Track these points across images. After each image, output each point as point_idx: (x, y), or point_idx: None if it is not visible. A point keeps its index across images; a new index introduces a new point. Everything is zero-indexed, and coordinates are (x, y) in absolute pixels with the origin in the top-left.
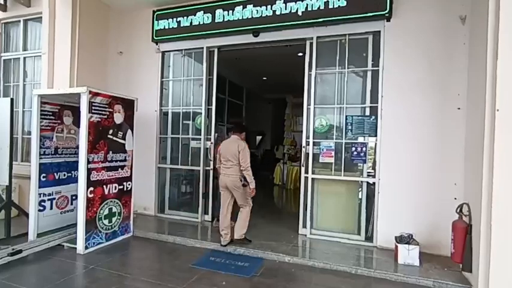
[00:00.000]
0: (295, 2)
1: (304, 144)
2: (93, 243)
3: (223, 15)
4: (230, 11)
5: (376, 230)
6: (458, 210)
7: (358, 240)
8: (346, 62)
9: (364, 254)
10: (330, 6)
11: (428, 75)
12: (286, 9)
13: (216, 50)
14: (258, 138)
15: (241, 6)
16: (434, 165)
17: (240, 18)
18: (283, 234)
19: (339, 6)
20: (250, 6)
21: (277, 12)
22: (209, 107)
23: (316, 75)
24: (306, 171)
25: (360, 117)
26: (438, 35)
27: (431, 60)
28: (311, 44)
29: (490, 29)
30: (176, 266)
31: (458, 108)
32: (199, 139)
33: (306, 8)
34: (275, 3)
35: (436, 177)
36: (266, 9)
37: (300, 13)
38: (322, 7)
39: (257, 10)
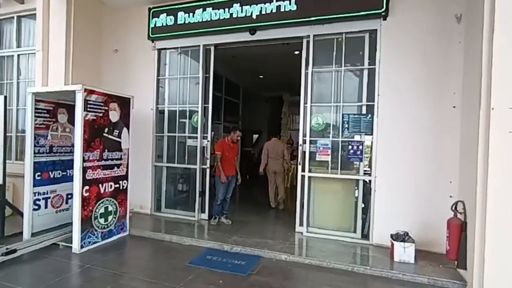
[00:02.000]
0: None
1: (300, 142)
2: (89, 242)
3: (220, 13)
4: (227, 9)
5: (372, 227)
6: (453, 208)
7: (354, 238)
8: (343, 60)
9: (360, 251)
10: (327, 4)
11: (424, 74)
12: (282, 7)
13: (212, 48)
14: (255, 136)
15: (239, 4)
16: (430, 163)
17: (237, 16)
18: (280, 233)
19: (335, 4)
20: (246, 5)
21: (274, 10)
22: (206, 105)
23: (312, 74)
24: (303, 170)
25: (356, 116)
26: (434, 34)
27: (427, 58)
28: (308, 42)
29: (485, 28)
30: (172, 264)
31: (454, 107)
32: (196, 137)
33: (302, 5)
34: (272, 1)
35: (431, 175)
36: (263, 7)
37: (295, 10)
38: (319, 5)
39: (254, 8)
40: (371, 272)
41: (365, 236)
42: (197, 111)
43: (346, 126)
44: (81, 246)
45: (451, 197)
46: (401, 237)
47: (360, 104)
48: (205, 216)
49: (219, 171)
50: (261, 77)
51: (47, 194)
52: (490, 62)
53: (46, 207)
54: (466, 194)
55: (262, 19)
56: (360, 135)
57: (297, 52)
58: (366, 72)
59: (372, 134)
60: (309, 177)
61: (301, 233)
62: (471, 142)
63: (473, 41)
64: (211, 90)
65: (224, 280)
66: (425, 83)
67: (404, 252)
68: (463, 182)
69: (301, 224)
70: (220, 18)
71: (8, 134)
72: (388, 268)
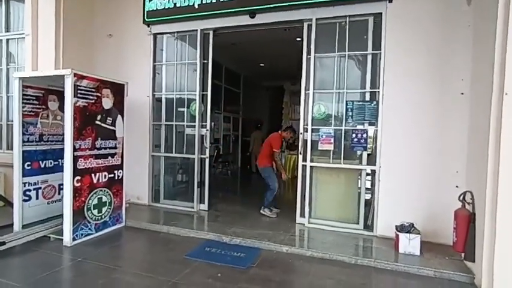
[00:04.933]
0: None
1: (301, 130)
2: (81, 234)
3: None
4: None
5: (376, 218)
6: (461, 198)
7: (357, 230)
8: (347, 45)
9: (364, 243)
10: None
11: (431, 59)
12: None
13: (211, 33)
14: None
15: None
16: (435, 152)
17: None
18: (281, 224)
19: None
20: None
21: None
22: (204, 92)
23: (315, 59)
24: (304, 159)
25: (360, 103)
26: (442, 17)
27: (434, 42)
28: (309, 26)
29: (500, 8)
30: (169, 257)
31: (462, 94)
32: (194, 126)
33: None
34: None
35: (437, 164)
36: None
37: None
38: None
39: None
40: (375, 265)
41: (368, 227)
42: (195, 99)
43: (350, 113)
44: (73, 239)
45: (457, 187)
46: (406, 228)
47: (364, 90)
48: (204, 207)
49: (281, 169)
50: (262, 65)
51: (38, 184)
52: (505, 44)
53: (37, 198)
54: (475, 184)
55: (263, 1)
56: (364, 123)
57: (298, 39)
58: (370, 58)
59: (376, 122)
60: (311, 167)
61: (303, 224)
62: (481, 129)
63: (484, 23)
64: (210, 77)
65: (223, 273)
66: (432, 69)
67: (409, 244)
68: (471, 171)
69: (302, 215)
70: (219, 0)
71: None
72: (393, 260)
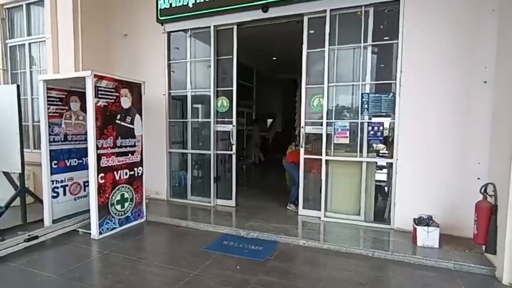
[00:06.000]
0: None
1: (302, 124)
2: (107, 228)
3: None
4: None
5: (394, 212)
6: (482, 191)
7: (374, 223)
8: (362, 36)
9: (381, 236)
10: None
11: (452, 47)
12: None
13: (235, 27)
14: (269, 121)
15: None
16: (456, 143)
17: None
18: (296, 217)
19: None
20: None
21: None
22: (218, 88)
23: (329, 52)
24: (319, 153)
25: (377, 95)
26: (463, 2)
27: (455, 30)
28: (323, 18)
29: None
30: (189, 250)
31: (485, 82)
32: (210, 122)
33: None
34: None
35: (458, 156)
36: None
37: None
38: None
39: None
40: (392, 257)
41: (385, 220)
42: (221, 96)
43: (366, 106)
44: (100, 233)
45: (479, 179)
46: (424, 221)
47: (381, 82)
48: (221, 202)
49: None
50: (274, 58)
51: (65, 181)
52: None
53: (65, 194)
54: (497, 176)
55: None
56: (381, 115)
57: (312, 31)
58: (387, 48)
59: (393, 114)
60: (326, 160)
61: (319, 217)
62: (505, 120)
63: (510, 7)
64: (235, 74)
65: (241, 266)
66: (452, 57)
67: (427, 237)
68: (494, 163)
69: (318, 209)
70: None
71: (24, 124)
72: (411, 253)
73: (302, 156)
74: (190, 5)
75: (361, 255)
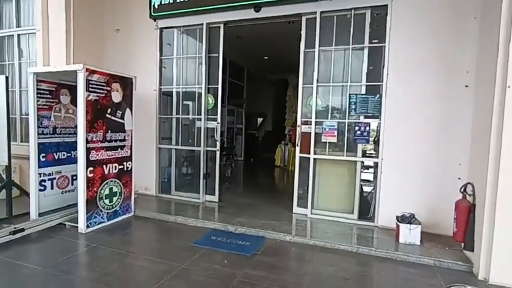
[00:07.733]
0: None
1: (299, 123)
2: (95, 222)
3: None
4: None
5: (378, 209)
6: (462, 190)
7: (359, 220)
8: (351, 38)
9: (366, 233)
10: None
11: (436, 52)
12: None
13: (222, 26)
14: (259, 120)
15: None
16: (438, 144)
17: None
18: (284, 214)
19: None
20: None
21: None
22: (214, 86)
23: (319, 53)
24: (308, 152)
25: (364, 96)
26: (447, 9)
27: (439, 35)
28: (314, 19)
29: (504, 1)
30: (177, 244)
31: (466, 86)
32: (200, 119)
33: None
34: None
35: (440, 157)
36: None
37: None
38: None
39: None
40: (376, 253)
41: (370, 218)
42: (207, 93)
43: (353, 107)
44: (87, 226)
45: (459, 179)
46: (407, 219)
47: (368, 84)
48: (211, 198)
49: None
50: (266, 58)
51: (52, 175)
52: (508, 37)
53: (52, 188)
54: (476, 176)
55: None
56: (367, 116)
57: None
58: (374, 51)
59: (379, 115)
60: (314, 159)
61: (306, 214)
62: (484, 122)
63: (490, 16)
64: (221, 71)
65: (229, 260)
66: (436, 62)
67: (409, 234)
68: (474, 163)
69: (305, 206)
70: None
71: (12, 116)
72: (393, 249)
73: (298, 155)
74: (183, 2)
75: (345, 251)
